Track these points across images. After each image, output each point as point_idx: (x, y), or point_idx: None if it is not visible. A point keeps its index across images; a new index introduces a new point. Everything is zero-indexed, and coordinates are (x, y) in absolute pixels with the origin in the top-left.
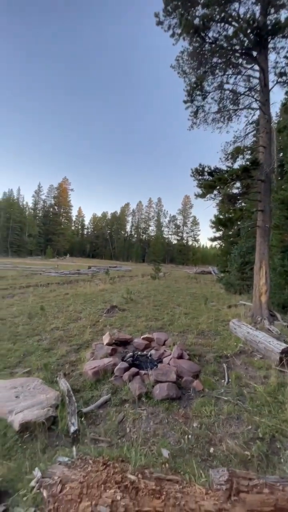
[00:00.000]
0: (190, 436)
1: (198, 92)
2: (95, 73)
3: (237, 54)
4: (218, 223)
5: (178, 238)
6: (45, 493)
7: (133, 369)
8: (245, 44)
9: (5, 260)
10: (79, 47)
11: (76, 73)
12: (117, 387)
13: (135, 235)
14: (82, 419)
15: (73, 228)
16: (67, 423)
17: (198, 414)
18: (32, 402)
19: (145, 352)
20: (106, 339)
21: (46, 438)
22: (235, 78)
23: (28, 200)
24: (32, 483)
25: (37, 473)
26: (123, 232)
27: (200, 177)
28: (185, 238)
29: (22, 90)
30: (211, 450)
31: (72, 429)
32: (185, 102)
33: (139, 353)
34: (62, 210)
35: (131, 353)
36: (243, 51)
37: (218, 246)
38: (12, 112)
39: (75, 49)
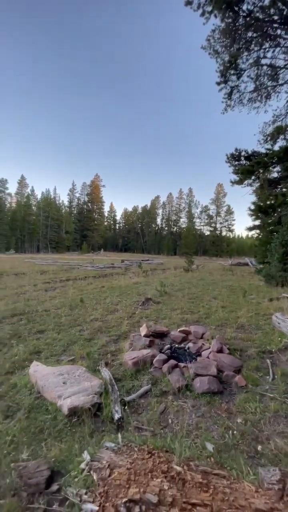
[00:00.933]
0: (235, 432)
1: (232, 71)
2: (122, 65)
3: (275, 25)
4: (258, 210)
5: (211, 229)
6: (95, 476)
7: (172, 361)
8: (284, 13)
9: (46, 256)
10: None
11: (101, 65)
12: (156, 378)
13: (166, 228)
14: (125, 407)
15: (105, 223)
16: (111, 411)
17: (242, 410)
18: (78, 388)
19: (182, 345)
20: (143, 330)
21: (92, 423)
22: (273, 52)
23: (63, 198)
24: (82, 466)
25: (86, 456)
26: (153, 225)
27: (237, 163)
28: (219, 229)
29: (50, 89)
30: (259, 448)
31: (116, 416)
32: (218, 83)
33: (177, 345)
34: (95, 206)
35: (168, 345)
36: (282, 21)
37: (255, 236)
38: (47, 111)
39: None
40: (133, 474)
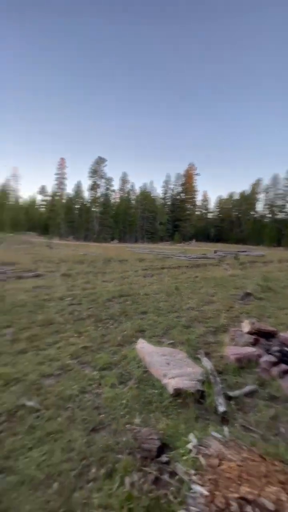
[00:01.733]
0: None
1: None
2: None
3: None
4: None
5: None
6: (203, 461)
7: (284, 366)
8: None
9: (143, 245)
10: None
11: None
12: (263, 380)
13: (269, 215)
14: (231, 402)
15: (197, 213)
16: (215, 402)
17: None
18: (181, 372)
19: None
20: (246, 327)
21: (196, 409)
22: None
23: (159, 191)
24: (189, 446)
25: (193, 438)
26: (252, 213)
27: None
28: None
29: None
30: None
31: (221, 409)
32: None
33: None
34: (188, 196)
35: (277, 348)
36: None
37: None
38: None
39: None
40: (244, 473)
